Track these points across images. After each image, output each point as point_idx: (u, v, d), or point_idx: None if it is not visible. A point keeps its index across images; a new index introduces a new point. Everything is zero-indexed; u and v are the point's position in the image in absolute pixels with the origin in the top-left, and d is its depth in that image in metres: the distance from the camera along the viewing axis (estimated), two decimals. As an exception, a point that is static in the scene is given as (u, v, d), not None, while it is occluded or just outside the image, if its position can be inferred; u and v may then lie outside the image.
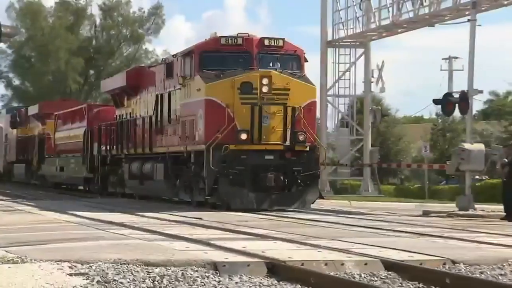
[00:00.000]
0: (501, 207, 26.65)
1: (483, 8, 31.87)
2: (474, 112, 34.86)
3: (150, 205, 30.60)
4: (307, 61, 27.53)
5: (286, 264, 12.51)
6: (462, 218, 26.04)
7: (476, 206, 28.58)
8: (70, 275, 11.49)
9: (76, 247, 14.47)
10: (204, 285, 11.09)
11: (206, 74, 25.67)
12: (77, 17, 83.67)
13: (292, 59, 26.81)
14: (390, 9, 36.60)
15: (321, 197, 28.54)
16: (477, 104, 65.73)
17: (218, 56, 26.31)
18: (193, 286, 11.05)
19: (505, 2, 32.14)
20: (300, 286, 11.15)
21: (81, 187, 46.12)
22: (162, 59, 31.48)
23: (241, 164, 24.81)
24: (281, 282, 11.50)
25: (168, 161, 28.84)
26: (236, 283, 11.28)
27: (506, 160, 25.18)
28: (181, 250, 14.14)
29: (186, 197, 28.42)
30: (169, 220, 22.05)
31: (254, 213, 25.32)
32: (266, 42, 26.28)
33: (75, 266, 11.99)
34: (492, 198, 35.32)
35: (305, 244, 15.39)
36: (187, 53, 26.98)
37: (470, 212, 27.53)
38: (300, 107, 25.55)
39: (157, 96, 30.07)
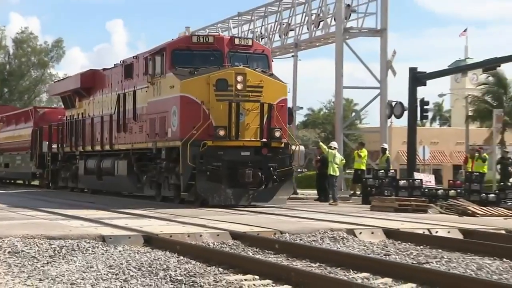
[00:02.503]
0: (315, 192, 27.11)
1: (302, 48, 33.15)
2: (297, 122, 35.40)
3: (104, 198, 24.94)
4: (273, 61, 22.64)
5: (158, 236, 12.46)
6: (289, 200, 26.31)
7: (298, 191, 28.99)
8: (-14, 247, 11.05)
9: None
10: (95, 253, 10.92)
11: (180, 71, 19.97)
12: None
13: (260, 58, 21.01)
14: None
15: (295, 192, 23.40)
16: (299, 117, 66.78)
17: (190, 54, 20.39)
18: (85, 254, 10.86)
19: (317, 44, 33.76)
20: (168, 253, 11.10)
21: (20, 181, 41.35)
22: (120, 61, 24.69)
23: (218, 160, 19.00)
24: (154, 250, 11.48)
25: (132, 157, 22.89)
26: (119, 251, 11.16)
27: (319, 157, 25.59)
28: (76, 227, 13.83)
29: (151, 193, 22.33)
30: (69, 204, 21.44)
31: (136, 198, 24.65)
32: (237, 41, 20.80)
33: (-10, 241, 11.52)
34: (309, 186, 35.85)
35: (173, 221, 15.31)
36: (157, 52, 21.03)
37: (294, 196, 27.91)
38: (274, 104, 20.16)
39: (118, 95, 23.90)
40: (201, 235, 12.66)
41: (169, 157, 20.14)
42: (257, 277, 9.11)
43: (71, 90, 28.96)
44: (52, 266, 9.88)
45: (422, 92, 27.70)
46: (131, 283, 8.73)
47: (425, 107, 28.61)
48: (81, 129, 27.69)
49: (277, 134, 19.68)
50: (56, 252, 10.89)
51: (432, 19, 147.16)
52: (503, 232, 14.27)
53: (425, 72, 28.26)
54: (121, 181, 23.62)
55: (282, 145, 19.98)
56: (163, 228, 13.64)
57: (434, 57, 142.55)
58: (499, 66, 31.21)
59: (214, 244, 12.20)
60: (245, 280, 8.92)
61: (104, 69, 26.45)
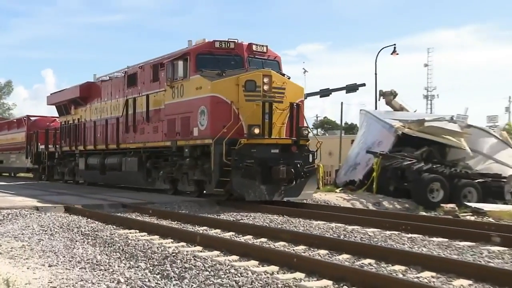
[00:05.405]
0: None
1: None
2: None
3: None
4: None
5: (74, 206, 11.88)
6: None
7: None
8: None
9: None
10: (31, 217, 10.45)
11: (207, 73, 13.88)
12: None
13: (273, 64, 14.86)
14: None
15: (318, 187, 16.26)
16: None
17: (212, 58, 14.31)
18: (25, 218, 10.34)
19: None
20: (81, 217, 10.82)
21: (6, 174, 33.18)
22: (123, 72, 18.08)
23: (250, 157, 12.90)
24: (71, 215, 11.12)
25: (143, 155, 16.42)
26: (48, 216, 10.71)
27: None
28: (19, 201, 12.99)
29: (164, 187, 15.74)
30: (19, 185, 19.80)
31: (61, 182, 22.38)
32: (254, 47, 14.70)
33: None
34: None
35: (85, 196, 14.55)
36: (178, 57, 14.57)
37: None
38: (300, 104, 14.22)
39: (126, 100, 17.35)
40: (102, 205, 12.22)
41: (192, 155, 14.24)
42: (138, 231, 9.00)
43: (68, 99, 22.32)
44: (1, 226, 9.42)
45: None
46: (55, 236, 8.47)
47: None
48: (82, 131, 21.01)
49: (305, 132, 13.96)
50: (4, 217, 10.30)
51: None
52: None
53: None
54: (130, 176, 17.26)
55: (308, 143, 14.25)
56: (78, 201, 13.03)
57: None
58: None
59: (110, 211, 11.75)
60: (130, 233, 8.77)
61: (102, 81, 19.88)
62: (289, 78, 14.50)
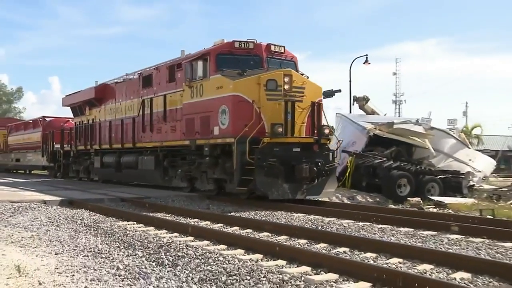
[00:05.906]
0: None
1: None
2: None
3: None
4: None
5: (77, 200, 11.75)
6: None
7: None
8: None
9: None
10: (39, 210, 10.40)
11: (228, 73, 12.31)
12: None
13: (291, 64, 13.14)
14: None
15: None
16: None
17: (232, 58, 12.65)
18: (34, 211, 10.31)
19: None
20: (84, 210, 10.73)
21: (22, 171, 31.70)
22: (138, 73, 16.42)
23: (273, 156, 11.35)
24: (75, 208, 11.02)
25: (160, 154, 14.86)
26: (54, 209, 10.69)
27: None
28: (29, 195, 12.86)
29: (181, 185, 14.25)
30: (31, 182, 19.33)
31: (76, 179, 21.26)
32: (272, 47, 13.05)
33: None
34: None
35: (88, 192, 14.26)
36: (197, 57, 13.04)
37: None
38: (321, 103, 12.80)
39: (143, 101, 15.72)
40: (103, 199, 12.13)
41: (212, 154, 12.63)
42: (135, 222, 8.99)
43: (83, 100, 20.41)
44: (13, 218, 9.31)
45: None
46: (61, 226, 8.47)
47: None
48: (98, 131, 19.21)
49: (326, 131, 12.39)
50: (16, 210, 10.21)
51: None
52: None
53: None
54: (147, 174, 15.66)
55: (329, 142, 12.64)
56: (81, 195, 12.91)
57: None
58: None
59: (110, 204, 11.70)
60: (128, 225, 8.74)
61: (116, 83, 18.14)
62: (307, 77, 12.96)
